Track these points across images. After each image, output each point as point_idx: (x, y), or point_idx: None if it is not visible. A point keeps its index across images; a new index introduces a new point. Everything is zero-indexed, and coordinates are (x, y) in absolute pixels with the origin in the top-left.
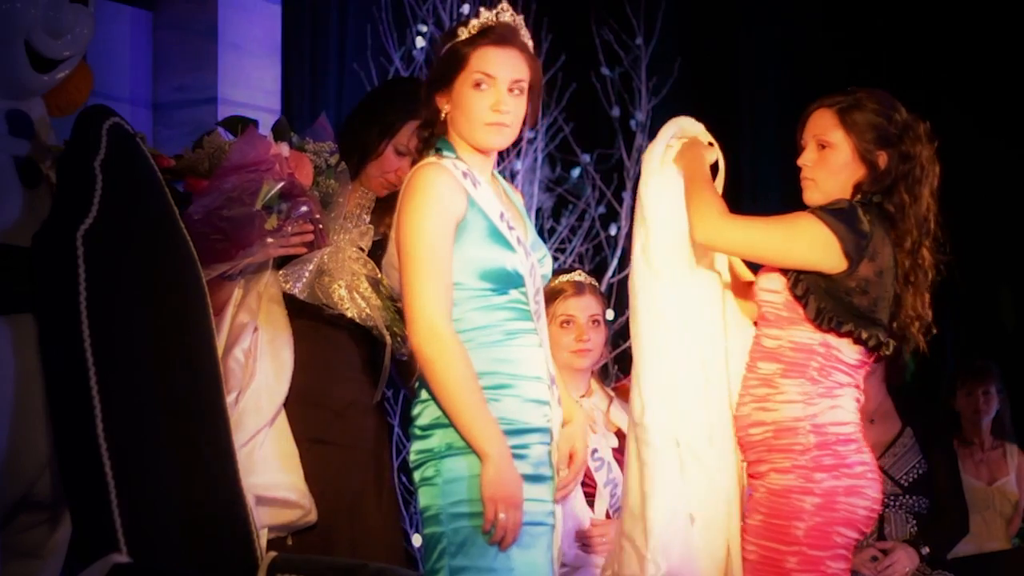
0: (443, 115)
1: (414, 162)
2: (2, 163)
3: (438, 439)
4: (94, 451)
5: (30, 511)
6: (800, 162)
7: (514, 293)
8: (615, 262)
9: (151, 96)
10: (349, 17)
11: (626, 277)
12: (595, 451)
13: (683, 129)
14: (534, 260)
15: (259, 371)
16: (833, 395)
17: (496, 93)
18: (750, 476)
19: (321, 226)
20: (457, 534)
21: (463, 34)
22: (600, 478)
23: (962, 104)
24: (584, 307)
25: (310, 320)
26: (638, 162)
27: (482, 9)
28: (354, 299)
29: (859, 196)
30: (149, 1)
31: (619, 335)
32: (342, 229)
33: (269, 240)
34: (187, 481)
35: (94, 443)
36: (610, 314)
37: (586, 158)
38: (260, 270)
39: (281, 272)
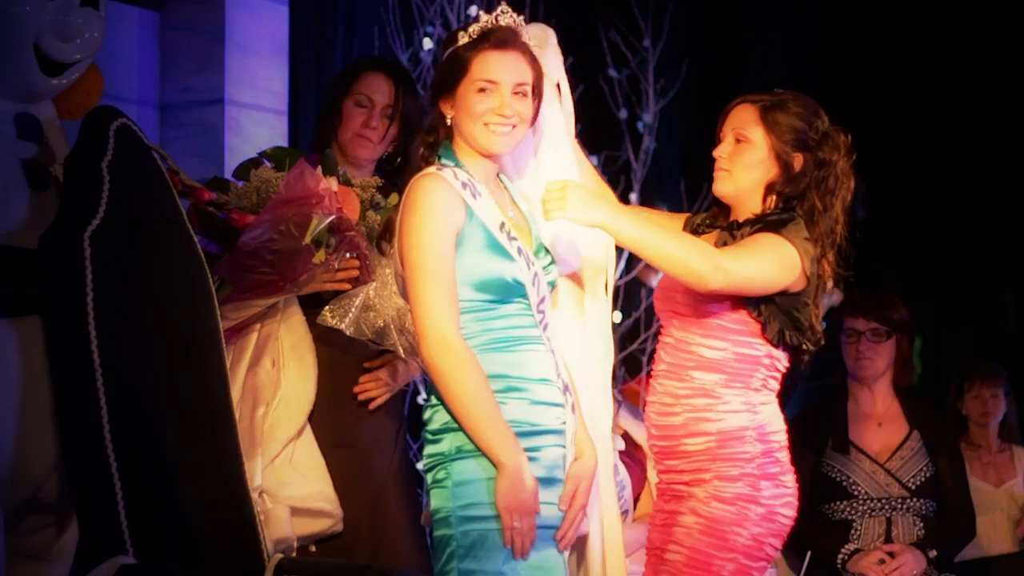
0: (448, 120)
1: (418, 169)
2: (10, 166)
3: (448, 443)
4: (101, 453)
5: (37, 513)
6: (716, 153)
7: (516, 303)
8: (622, 264)
9: (158, 97)
10: (356, 18)
11: (633, 280)
12: None
13: (536, 37)
14: (538, 268)
15: (285, 379)
16: (771, 403)
17: (499, 97)
18: (685, 484)
19: (368, 261)
20: (466, 537)
21: (463, 39)
22: None
23: (969, 111)
24: None
25: (332, 328)
26: (646, 164)
27: (481, 12)
28: (402, 333)
29: (773, 196)
30: (156, 2)
31: (625, 337)
32: (387, 264)
33: (316, 274)
34: (193, 482)
35: (101, 445)
36: (617, 316)
37: (593, 159)
38: None
39: (327, 308)
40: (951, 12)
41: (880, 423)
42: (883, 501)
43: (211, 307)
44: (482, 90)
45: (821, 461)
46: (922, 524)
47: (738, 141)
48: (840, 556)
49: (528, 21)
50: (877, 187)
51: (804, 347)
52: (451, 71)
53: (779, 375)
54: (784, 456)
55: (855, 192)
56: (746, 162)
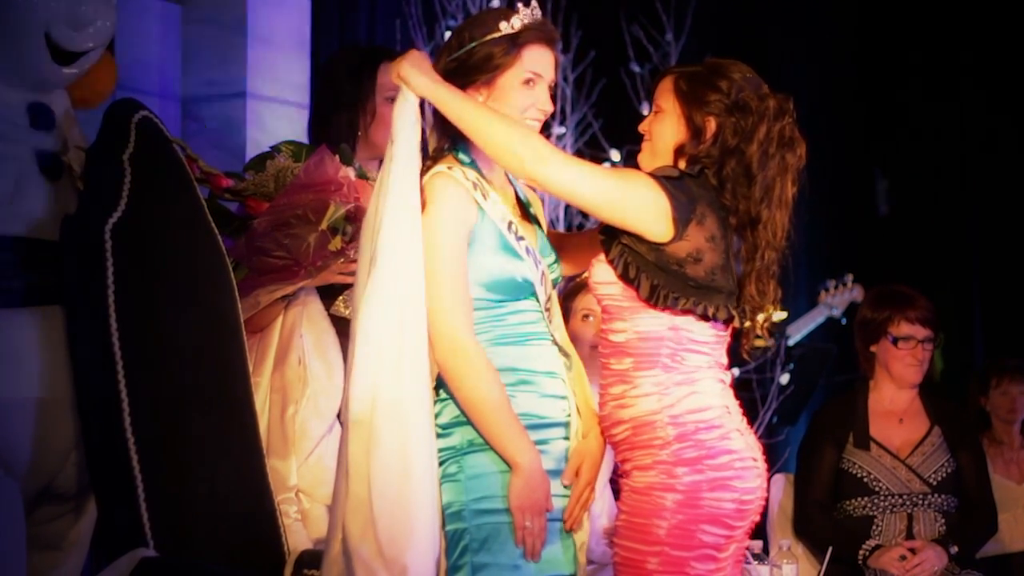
0: None
1: (434, 159)
2: (24, 156)
3: (459, 436)
4: (122, 445)
5: (51, 503)
6: (640, 128)
7: (526, 300)
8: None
9: (180, 90)
10: (378, 12)
11: None
12: None
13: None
14: (544, 267)
15: (311, 376)
16: (691, 381)
17: (542, 92)
18: (619, 476)
19: None
20: (480, 530)
21: (506, 28)
22: None
23: (990, 109)
24: None
25: (346, 319)
26: None
27: (520, 6)
28: None
29: (683, 160)
30: None
31: None
32: None
33: (331, 261)
34: (214, 475)
35: (122, 437)
36: None
37: (615, 154)
38: None
39: (341, 298)
40: (977, 7)
41: (901, 419)
42: (904, 497)
43: (232, 300)
44: (528, 82)
45: (842, 457)
46: (943, 520)
47: (656, 113)
48: (861, 552)
49: (552, 15)
50: (899, 183)
51: (722, 312)
52: (494, 59)
53: (699, 345)
54: (710, 436)
55: (802, 163)
56: (660, 131)
